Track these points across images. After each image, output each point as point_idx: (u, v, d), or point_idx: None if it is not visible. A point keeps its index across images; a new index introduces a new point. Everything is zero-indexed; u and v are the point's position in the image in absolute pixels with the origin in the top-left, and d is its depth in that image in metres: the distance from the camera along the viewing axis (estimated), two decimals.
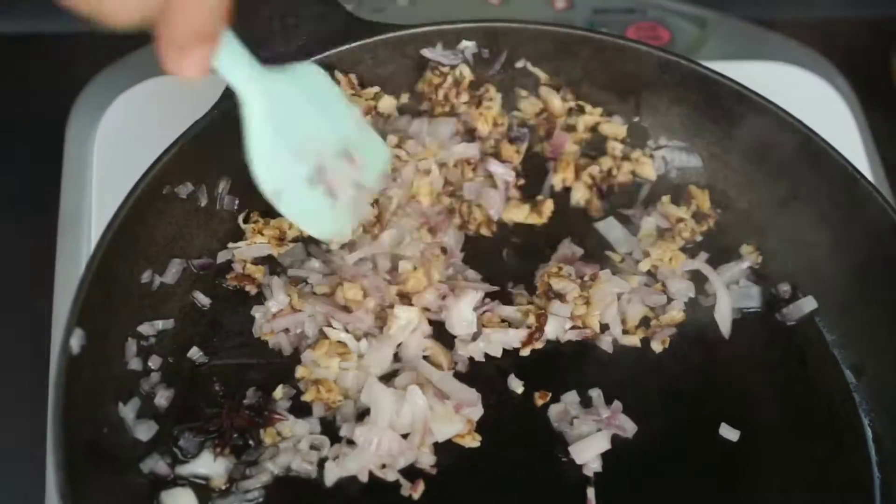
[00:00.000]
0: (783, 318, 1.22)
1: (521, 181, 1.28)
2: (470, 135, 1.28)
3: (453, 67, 1.27)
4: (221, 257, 1.19)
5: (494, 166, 1.26)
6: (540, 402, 1.14)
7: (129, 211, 1.08)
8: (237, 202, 1.20)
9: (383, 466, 1.08)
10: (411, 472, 1.09)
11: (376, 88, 1.26)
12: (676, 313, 1.20)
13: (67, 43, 1.54)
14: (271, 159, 0.99)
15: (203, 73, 0.88)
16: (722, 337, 1.20)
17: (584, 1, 1.54)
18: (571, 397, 1.14)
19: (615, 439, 1.11)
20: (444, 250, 1.21)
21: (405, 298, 1.16)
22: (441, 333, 1.17)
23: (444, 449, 1.10)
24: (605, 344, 1.18)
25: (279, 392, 1.12)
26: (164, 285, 1.15)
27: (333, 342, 1.13)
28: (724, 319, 1.20)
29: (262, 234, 1.20)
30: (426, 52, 1.26)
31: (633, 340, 1.18)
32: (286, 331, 1.16)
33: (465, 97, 1.28)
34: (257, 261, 1.20)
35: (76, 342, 1.00)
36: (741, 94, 1.22)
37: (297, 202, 1.04)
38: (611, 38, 1.27)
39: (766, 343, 1.20)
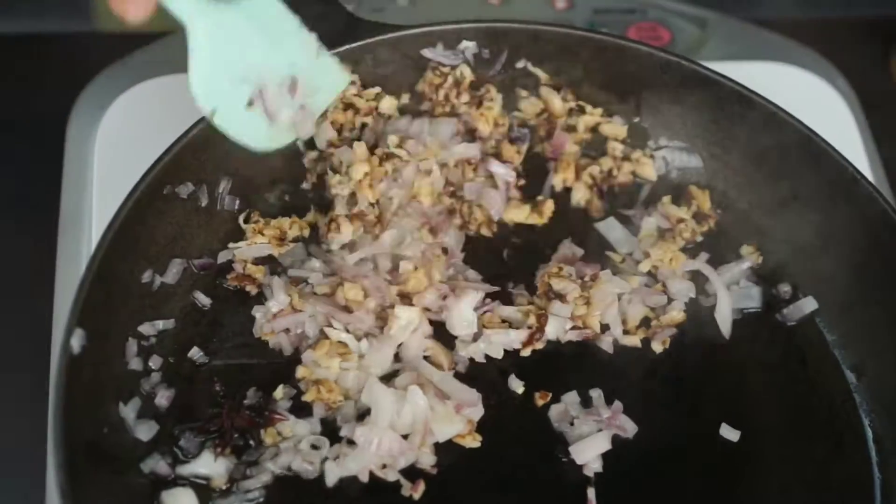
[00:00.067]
0: (783, 318, 1.22)
1: (522, 181, 1.28)
2: (471, 135, 1.28)
3: (454, 68, 1.27)
4: (222, 257, 1.20)
5: (495, 167, 1.26)
6: (540, 403, 1.14)
7: (130, 211, 1.08)
8: (238, 202, 1.21)
9: (384, 466, 1.08)
10: (412, 473, 1.09)
11: (377, 89, 1.26)
12: (677, 314, 1.20)
13: (68, 43, 1.54)
14: (209, 84, 1.01)
15: (148, 7, 0.89)
16: (722, 337, 1.20)
17: (585, 1, 1.54)
18: (572, 397, 1.14)
19: (615, 439, 1.11)
20: (444, 250, 1.21)
21: (406, 299, 1.16)
22: (442, 334, 1.17)
23: (445, 449, 1.10)
24: (606, 344, 1.18)
25: (280, 392, 1.12)
26: (164, 285, 1.15)
27: (334, 342, 1.13)
28: (724, 320, 1.20)
29: (263, 234, 1.20)
30: (426, 53, 1.26)
31: (634, 341, 1.18)
32: (287, 331, 1.16)
33: (465, 97, 1.28)
34: (258, 261, 1.20)
35: (77, 342, 1.00)
36: (742, 94, 1.22)
37: (233, 120, 1.06)
38: (611, 39, 1.27)
39: (767, 343, 1.20)
